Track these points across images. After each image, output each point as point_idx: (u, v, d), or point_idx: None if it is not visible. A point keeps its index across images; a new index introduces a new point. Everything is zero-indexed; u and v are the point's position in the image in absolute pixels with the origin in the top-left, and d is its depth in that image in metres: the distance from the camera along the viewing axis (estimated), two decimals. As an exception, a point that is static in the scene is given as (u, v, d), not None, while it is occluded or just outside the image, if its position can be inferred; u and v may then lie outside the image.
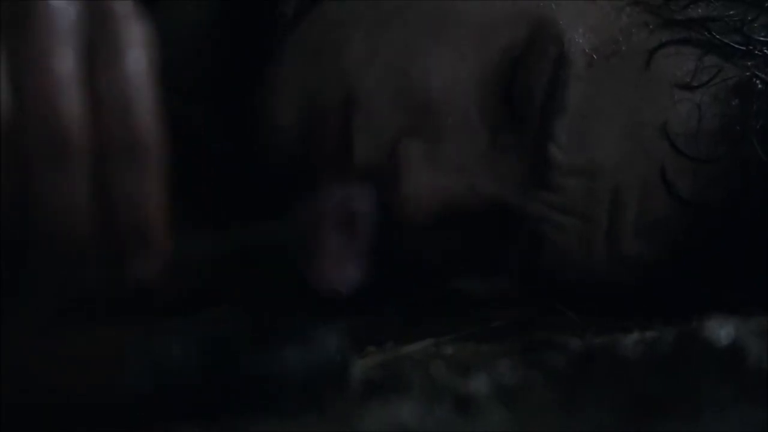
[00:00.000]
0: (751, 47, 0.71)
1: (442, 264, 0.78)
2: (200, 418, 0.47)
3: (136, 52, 0.51)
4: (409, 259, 0.78)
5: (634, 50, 0.72)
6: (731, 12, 0.72)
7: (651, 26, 0.72)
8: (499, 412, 0.50)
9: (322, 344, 0.49)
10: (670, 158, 0.71)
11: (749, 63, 0.71)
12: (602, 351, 0.53)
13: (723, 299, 0.61)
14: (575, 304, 0.74)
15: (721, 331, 0.52)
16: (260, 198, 0.83)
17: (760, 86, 0.71)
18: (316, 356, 0.49)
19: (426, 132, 0.73)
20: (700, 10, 0.72)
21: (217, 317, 0.49)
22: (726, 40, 0.71)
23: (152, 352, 0.48)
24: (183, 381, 0.47)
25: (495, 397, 0.51)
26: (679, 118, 0.71)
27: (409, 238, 0.75)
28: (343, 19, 0.76)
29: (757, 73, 0.71)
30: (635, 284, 0.74)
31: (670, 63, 0.71)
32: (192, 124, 0.83)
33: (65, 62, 0.49)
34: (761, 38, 0.72)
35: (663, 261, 0.73)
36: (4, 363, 0.47)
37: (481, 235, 0.75)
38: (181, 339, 0.48)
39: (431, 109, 0.73)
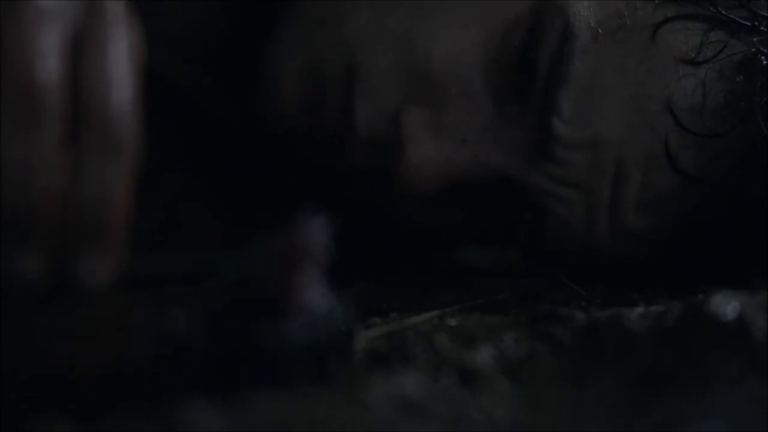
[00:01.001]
0: (756, 23, 0.71)
1: (446, 234, 0.79)
2: (206, 389, 0.47)
3: (122, 50, 0.51)
4: (413, 229, 0.78)
5: (640, 24, 0.72)
6: None
7: (657, 0, 0.72)
8: (503, 384, 0.50)
9: (327, 315, 0.49)
10: (674, 133, 0.71)
11: (755, 39, 0.71)
12: (608, 324, 0.53)
13: (728, 274, 0.61)
14: (580, 276, 0.74)
15: (728, 305, 0.52)
16: (262, 168, 0.83)
17: (765, 62, 0.71)
18: (321, 327, 0.49)
19: (429, 101, 0.73)
20: None
21: (223, 289, 0.49)
22: (732, 16, 0.71)
23: (159, 323, 0.47)
24: (189, 353, 0.47)
25: (500, 370, 0.51)
26: (683, 93, 0.71)
27: (412, 208, 0.75)
28: None
29: (762, 49, 0.71)
30: (639, 258, 0.74)
31: (675, 38, 0.71)
32: (197, 92, 0.83)
33: (49, 39, 0.49)
34: (767, 14, 0.71)
35: (667, 235, 0.73)
36: (7, 335, 0.47)
37: (485, 206, 0.75)
38: (187, 311, 0.48)
39: (435, 78, 0.73)
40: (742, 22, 0.71)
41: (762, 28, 0.71)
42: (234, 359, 0.48)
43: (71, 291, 0.50)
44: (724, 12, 0.71)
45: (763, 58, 0.71)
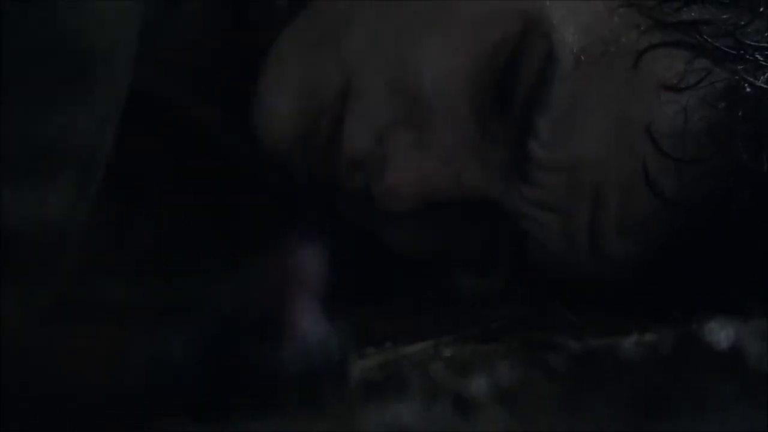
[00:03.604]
0: (742, 51, 0.71)
1: (430, 256, 0.79)
2: (199, 415, 0.47)
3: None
4: (397, 249, 0.78)
5: (624, 51, 0.72)
6: (724, 16, 0.72)
7: (642, 28, 0.72)
8: (498, 412, 0.50)
9: (321, 343, 0.49)
10: (654, 157, 0.70)
11: (739, 67, 0.71)
12: (602, 352, 0.53)
13: (718, 301, 0.62)
14: (570, 302, 0.74)
15: (721, 333, 0.52)
16: (257, 191, 0.83)
17: (748, 90, 0.71)
18: (315, 355, 0.49)
19: (416, 121, 0.73)
20: (692, 13, 0.72)
21: (217, 315, 0.49)
22: (717, 44, 0.71)
23: (153, 348, 0.47)
24: (182, 379, 0.47)
25: (494, 398, 0.51)
26: (664, 119, 0.71)
27: (398, 230, 0.76)
28: (343, 10, 0.76)
29: (745, 77, 0.71)
30: (624, 283, 0.74)
31: (658, 64, 0.71)
32: (196, 116, 0.83)
33: None
34: (753, 43, 0.72)
35: (649, 260, 0.73)
36: (5, 358, 0.47)
37: (467, 227, 0.75)
38: (181, 336, 0.48)
39: (422, 98, 0.73)
40: (727, 50, 0.71)
41: (747, 56, 0.71)
42: (227, 386, 0.47)
43: None
44: (709, 40, 0.71)
45: (746, 86, 0.71)
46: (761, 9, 0.73)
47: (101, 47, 0.66)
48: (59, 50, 0.64)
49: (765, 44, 0.72)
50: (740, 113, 0.71)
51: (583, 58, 0.72)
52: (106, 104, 0.68)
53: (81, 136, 0.67)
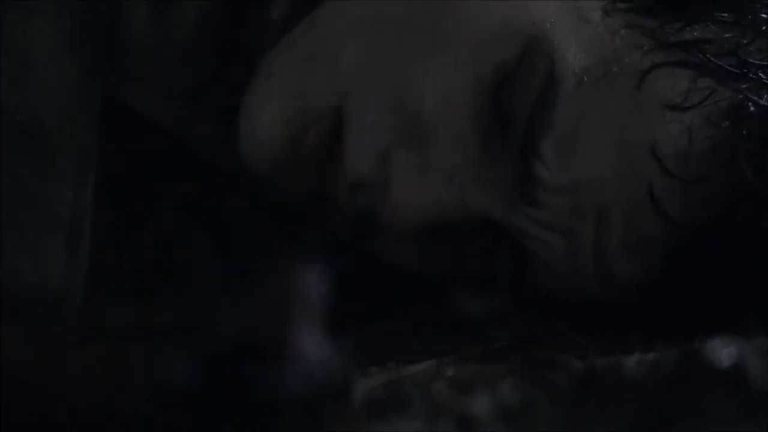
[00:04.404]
0: (745, 70, 0.71)
1: (432, 276, 0.79)
2: (201, 437, 0.47)
3: None
4: (401, 270, 0.78)
5: (627, 71, 0.72)
6: (727, 35, 0.72)
7: (645, 48, 0.72)
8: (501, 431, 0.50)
9: (324, 364, 0.49)
10: (659, 177, 0.70)
11: (743, 86, 0.71)
12: (605, 371, 0.53)
13: (722, 319, 0.61)
14: (573, 322, 0.74)
15: (723, 351, 0.52)
16: (258, 208, 0.83)
17: (752, 109, 0.71)
18: (318, 376, 0.49)
19: (417, 142, 0.73)
20: (695, 33, 0.72)
21: (219, 335, 0.49)
22: (720, 63, 0.71)
23: (154, 370, 0.47)
24: (185, 400, 0.47)
25: (497, 417, 0.51)
26: (669, 139, 0.71)
27: (399, 250, 0.76)
28: (340, 26, 0.76)
29: (750, 96, 0.71)
30: (629, 303, 0.74)
31: (662, 84, 0.71)
32: (190, 136, 0.83)
33: None
34: (756, 61, 0.72)
35: (655, 280, 0.73)
36: (6, 378, 0.47)
37: (471, 249, 0.75)
38: (183, 357, 0.48)
39: (423, 119, 0.73)
40: (731, 69, 0.71)
41: (751, 75, 0.71)
42: (229, 408, 0.47)
43: None
44: (712, 59, 0.71)
45: (750, 104, 0.71)
46: (764, 27, 0.73)
47: (49, 119, 0.68)
48: (7, 128, 0.66)
49: None
50: (744, 132, 0.71)
51: (585, 78, 0.72)
52: (74, 171, 0.70)
53: (57, 203, 0.68)
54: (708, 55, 0.72)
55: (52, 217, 0.69)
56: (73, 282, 0.69)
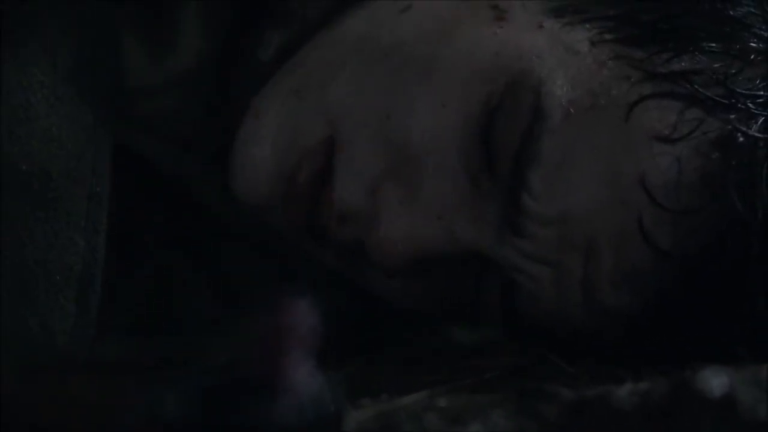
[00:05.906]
0: (733, 100, 0.71)
1: (421, 308, 0.79)
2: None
3: None
4: (388, 301, 0.78)
5: (614, 103, 0.72)
6: (715, 65, 0.72)
7: (632, 79, 0.72)
8: (493, 462, 0.50)
9: (316, 396, 0.49)
10: (648, 209, 0.70)
11: (731, 116, 0.71)
12: (596, 401, 0.53)
13: (712, 349, 0.61)
14: (564, 352, 0.74)
15: (714, 381, 0.52)
16: (249, 242, 0.83)
17: (741, 139, 0.71)
18: (310, 408, 0.49)
19: (406, 176, 0.73)
20: (683, 64, 0.72)
21: (212, 368, 0.49)
22: (709, 93, 0.71)
23: (148, 402, 0.47)
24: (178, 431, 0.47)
25: (489, 448, 0.51)
26: (657, 170, 0.70)
27: (389, 283, 0.76)
28: (329, 61, 0.76)
29: (738, 126, 0.71)
30: (620, 334, 0.74)
31: (650, 116, 0.71)
32: (182, 175, 0.83)
33: None
34: (744, 91, 0.72)
35: (645, 312, 0.73)
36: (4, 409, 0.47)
37: (459, 281, 0.75)
38: (176, 389, 0.48)
39: (412, 153, 0.74)
40: (719, 99, 0.71)
41: (739, 105, 0.71)
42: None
43: None
44: (701, 89, 0.72)
45: (739, 135, 0.71)
46: (752, 57, 0.73)
47: (54, 167, 0.68)
48: (11, 177, 0.66)
49: (756, 92, 0.72)
50: (733, 162, 0.70)
51: (572, 110, 0.72)
52: (84, 218, 0.69)
53: (68, 253, 0.68)
54: (696, 86, 0.71)
55: (63, 269, 0.69)
56: (82, 338, 0.69)
